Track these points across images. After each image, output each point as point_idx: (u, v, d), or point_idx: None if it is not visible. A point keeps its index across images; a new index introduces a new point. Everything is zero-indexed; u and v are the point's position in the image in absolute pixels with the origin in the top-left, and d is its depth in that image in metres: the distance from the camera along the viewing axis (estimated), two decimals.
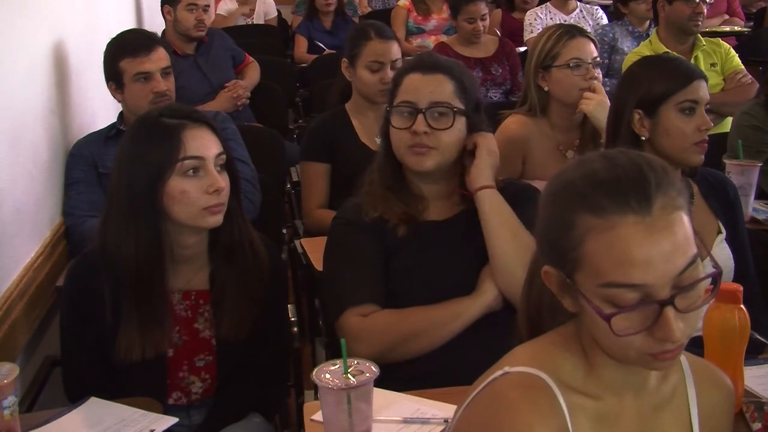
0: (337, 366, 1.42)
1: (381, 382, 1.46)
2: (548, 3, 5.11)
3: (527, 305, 1.20)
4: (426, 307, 1.78)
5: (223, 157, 1.74)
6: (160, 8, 4.00)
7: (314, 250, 2.29)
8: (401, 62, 2.75)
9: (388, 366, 1.57)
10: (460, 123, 1.83)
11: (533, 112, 2.69)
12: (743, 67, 3.66)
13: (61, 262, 2.43)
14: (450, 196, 1.89)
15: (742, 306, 1.47)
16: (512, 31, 5.26)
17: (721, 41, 3.73)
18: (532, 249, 1.16)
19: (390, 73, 2.67)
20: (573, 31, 2.66)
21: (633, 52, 3.77)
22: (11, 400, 1.46)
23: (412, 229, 1.84)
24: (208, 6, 4.00)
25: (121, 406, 1.65)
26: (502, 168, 1.95)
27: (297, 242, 2.67)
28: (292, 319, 2.04)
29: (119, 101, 2.66)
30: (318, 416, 1.49)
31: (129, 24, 4.12)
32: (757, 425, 1.44)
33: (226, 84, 3.89)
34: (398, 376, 1.66)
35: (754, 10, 6.55)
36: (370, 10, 6.56)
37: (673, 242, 0.99)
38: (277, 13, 6.28)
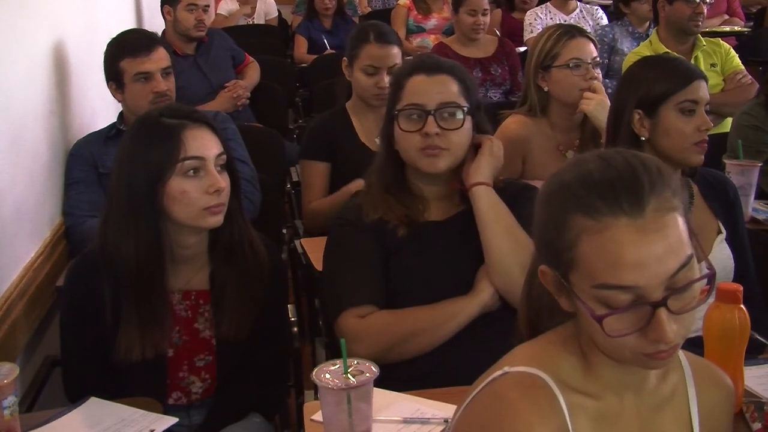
0: (337, 366, 1.42)
1: (381, 382, 1.46)
2: (548, 3, 5.11)
3: (527, 305, 1.21)
4: (423, 307, 1.78)
5: (224, 157, 1.74)
6: (160, 8, 4.00)
7: (314, 250, 2.29)
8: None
9: (387, 366, 1.57)
10: (468, 122, 1.84)
11: (533, 112, 2.69)
12: (743, 67, 3.66)
13: (61, 262, 2.43)
14: (450, 196, 1.89)
15: (742, 306, 1.47)
16: (512, 31, 5.26)
17: (721, 41, 3.73)
18: (529, 248, 1.16)
19: (386, 78, 2.66)
20: (573, 31, 2.66)
21: (633, 52, 3.77)
22: (11, 400, 1.46)
23: (412, 229, 1.84)
24: (208, 6, 4.00)
25: (121, 406, 1.65)
26: (503, 168, 1.95)
27: (297, 242, 2.67)
28: (292, 319, 2.04)
29: (119, 101, 2.66)
30: (318, 416, 1.49)
31: (129, 24, 4.12)
32: (757, 425, 1.44)
33: (226, 84, 3.89)
34: (397, 376, 1.66)
35: (754, 10, 6.55)
36: (370, 10, 6.57)
37: (665, 244, 0.99)
38: (277, 13, 6.28)
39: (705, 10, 3.61)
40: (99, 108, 3.11)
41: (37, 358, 2.20)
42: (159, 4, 4.02)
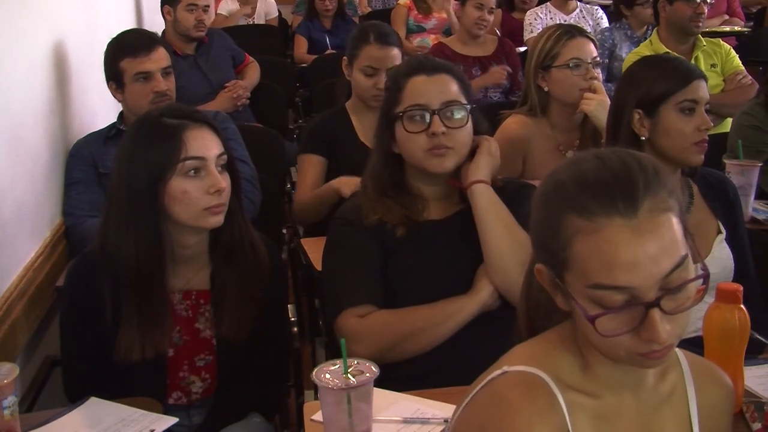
0: (337, 366, 1.42)
1: (381, 382, 1.46)
2: (548, 3, 5.11)
3: (526, 304, 1.21)
4: (422, 307, 1.78)
5: (224, 157, 1.74)
6: (160, 8, 4.00)
7: (314, 250, 2.29)
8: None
9: (387, 366, 1.57)
10: (469, 120, 1.84)
11: (533, 112, 2.69)
12: (743, 68, 3.66)
13: (61, 262, 2.43)
14: (449, 195, 1.89)
15: (742, 306, 1.47)
16: (512, 31, 5.26)
17: (721, 42, 3.73)
18: (528, 246, 1.16)
19: (384, 79, 2.66)
20: (573, 31, 2.66)
21: (633, 52, 3.77)
22: (11, 400, 1.46)
23: (411, 228, 1.84)
24: (208, 6, 4.00)
25: (121, 406, 1.65)
26: (503, 168, 1.95)
27: (297, 242, 2.67)
28: (292, 319, 2.05)
29: (119, 101, 2.66)
30: (318, 416, 1.49)
31: (129, 24, 4.12)
32: (757, 425, 1.44)
33: (226, 84, 3.89)
34: (397, 376, 1.67)
35: (754, 10, 6.55)
36: (370, 10, 6.57)
37: (659, 244, 0.99)
38: (277, 13, 6.28)
39: (706, 11, 3.61)
40: (99, 108, 3.11)
41: (37, 358, 2.20)
42: (159, 4, 4.01)
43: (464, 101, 1.83)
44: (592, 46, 2.65)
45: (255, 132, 3.29)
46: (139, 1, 4.49)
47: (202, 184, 1.70)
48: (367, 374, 1.41)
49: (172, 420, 1.62)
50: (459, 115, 1.82)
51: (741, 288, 1.48)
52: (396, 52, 2.79)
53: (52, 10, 2.70)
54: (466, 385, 1.14)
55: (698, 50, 3.62)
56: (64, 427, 1.61)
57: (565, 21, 4.81)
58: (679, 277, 1.00)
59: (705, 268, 1.04)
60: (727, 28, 5.44)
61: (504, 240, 1.77)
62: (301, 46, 5.56)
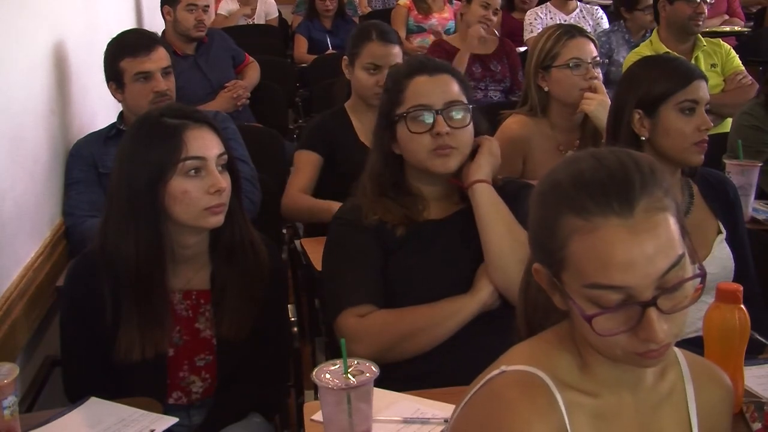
0: (337, 366, 1.42)
1: (381, 382, 1.46)
2: (548, 3, 5.11)
3: (524, 303, 1.21)
4: (422, 306, 1.78)
5: (225, 157, 1.74)
6: (160, 8, 4.00)
7: (314, 250, 2.29)
8: None
9: (387, 366, 1.57)
10: (471, 120, 1.84)
11: (534, 112, 2.69)
12: (743, 68, 3.66)
13: (61, 262, 2.43)
14: (449, 195, 1.89)
15: (742, 306, 1.47)
16: (512, 31, 5.25)
17: (721, 42, 3.73)
18: (528, 245, 1.16)
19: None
20: (572, 31, 2.66)
21: (633, 52, 3.76)
22: (11, 400, 1.46)
23: (411, 228, 1.84)
24: (208, 6, 4.00)
25: (121, 406, 1.65)
26: (503, 168, 1.95)
27: (297, 242, 2.67)
28: (292, 319, 2.05)
29: (119, 101, 2.66)
30: (318, 416, 1.49)
31: (129, 24, 4.12)
32: (757, 425, 1.44)
33: (226, 84, 3.89)
34: (397, 376, 1.66)
35: (754, 10, 6.55)
36: (370, 10, 6.57)
37: (655, 244, 0.99)
38: (277, 14, 6.28)
39: (706, 10, 3.61)
40: (99, 108, 3.11)
41: (37, 358, 2.20)
42: (159, 4, 4.02)
43: (465, 101, 1.84)
44: (592, 45, 2.66)
45: (255, 132, 3.29)
46: (139, 1, 4.49)
47: (202, 184, 1.70)
48: (367, 374, 1.41)
49: (172, 420, 1.62)
50: (461, 115, 1.82)
51: (741, 288, 1.48)
52: (398, 50, 2.79)
53: (52, 10, 2.70)
54: (466, 385, 1.14)
55: (698, 50, 3.62)
56: (64, 427, 1.61)
57: (565, 21, 4.81)
58: (675, 276, 1.00)
59: (702, 267, 1.04)
60: (727, 28, 5.44)
61: (505, 239, 1.77)
62: (301, 46, 5.56)
